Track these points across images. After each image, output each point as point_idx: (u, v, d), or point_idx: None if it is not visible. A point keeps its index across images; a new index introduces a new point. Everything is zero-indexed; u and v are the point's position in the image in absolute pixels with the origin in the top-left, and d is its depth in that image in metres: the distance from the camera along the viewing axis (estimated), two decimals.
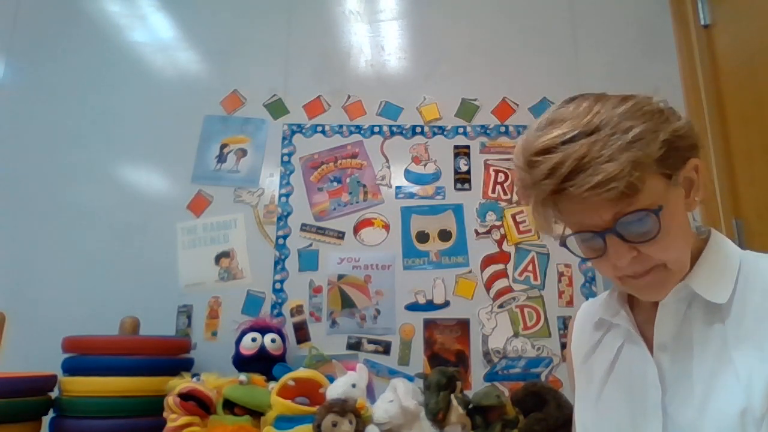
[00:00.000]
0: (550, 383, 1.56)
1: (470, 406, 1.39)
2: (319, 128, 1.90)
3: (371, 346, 1.70)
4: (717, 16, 1.80)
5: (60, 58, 1.94)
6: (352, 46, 1.98)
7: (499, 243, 1.78)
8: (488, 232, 1.79)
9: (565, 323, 1.70)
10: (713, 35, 1.81)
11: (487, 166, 1.85)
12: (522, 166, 0.61)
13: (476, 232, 1.79)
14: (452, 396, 1.39)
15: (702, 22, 1.83)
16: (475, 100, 1.91)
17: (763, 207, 1.56)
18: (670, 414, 0.61)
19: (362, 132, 1.89)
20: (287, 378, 1.35)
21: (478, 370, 1.68)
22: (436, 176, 1.84)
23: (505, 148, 1.86)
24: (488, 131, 1.88)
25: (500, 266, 1.76)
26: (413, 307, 1.73)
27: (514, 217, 1.80)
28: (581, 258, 0.65)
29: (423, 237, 1.79)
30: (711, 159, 1.72)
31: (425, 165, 1.86)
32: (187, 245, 1.79)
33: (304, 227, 1.80)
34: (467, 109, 1.90)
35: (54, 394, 1.42)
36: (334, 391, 1.34)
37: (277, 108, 1.91)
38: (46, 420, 1.40)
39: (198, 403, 1.31)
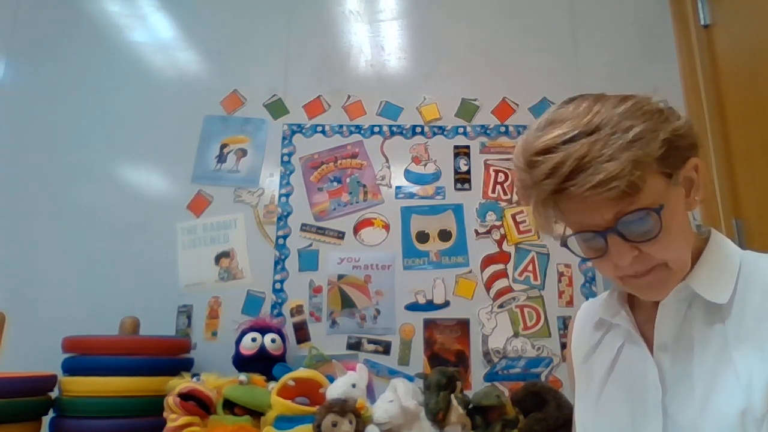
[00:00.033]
0: (550, 383, 1.56)
1: (470, 406, 1.39)
2: (319, 128, 1.90)
3: (371, 346, 1.70)
4: (717, 16, 1.80)
5: (60, 58, 1.94)
6: (352, 46, 1.98)
7: (499, 243, 1.78)
8: (488, 232, 1.79)
9: (565, 323, 1.70)
10: (713, 35, 1.81)
11: (487, 166, 1.85)
12: (522, 167, 0.61)
13: (476, 232, 1.79)
14: (452, 396, 1.39)
15: (702, 22, 1.83)
16: (475, 100, 1.91)
17: (763, 207, 1.56)
18: (671, 414, 0.61)
19: (362, 132, 1.89)
20: (287, 378, 1.35)
21: (478, 370, 1.68)
22: (436, 176, 1.84)
23: (505, 148, 1.86)
24: (488, 131, 1.88)
25: (500, 266, 1.76)
26: (413, 307, 1.73)
27: (514, 217, 1.80)
28: (582, 258, 0.65)
29: (423, 237, 1.79)
30: (711, 159, 1.72)
31: (425, 165, 1.86)
32: (187, 245, 1.79)
33: (304, 227, 1.80)
34: (467, 109, 1.90)
35: (54, 394, 1.42)
36: (334, 391, 1.34)
37: (277, 108, 1.91)
38: (46, 420, 1.40)
39: (198, 403, 1.31)
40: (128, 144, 1.87)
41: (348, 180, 1.85)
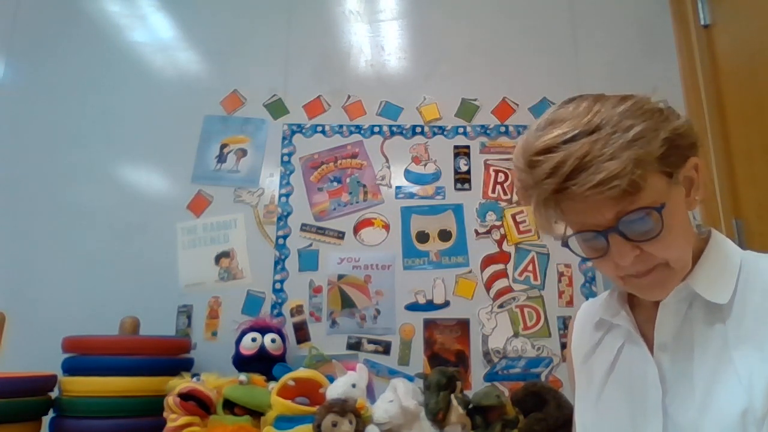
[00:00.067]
0: (550, 383, 1.56)
1: (470, 406, 1.39)
2: (319, 128, 1.90)
3: (371, 346, 1.70)
4: (717, 16, 1.80)
5: (60, 58, 1.94)
6: (352, 46, 1.98)
7: (499, 243, 1.78)
8: (488, 232, 1.79)
9: (565, 323, 1.70)
10: (713, 35, 1.81)
11: (487, 166, 1.85)
12: (522, 167, 0.60)
13: (476, 232, 1.79)
14: (452, 396, 1.39)
15: (702, 22, 1.83)
16: (475, 100, 1.91)
17: (763, 207, 1.56)
18: (671, 414, 0.61)
19: (362, 132, 1.89)
20: (287, 378, 1.35)
21: (478, 370, 1.68)
22: (436, 176, 1.84)
23: (505, 148, 1.86)
24: (488, 131, 1.88)
25: (500, 266, 1.76)
26: (413, 307, 1.73)
27: (514, 217, 1.80)
28: (583, 258, 0.65)
29: (423, 237, 1.79)
30: (711, 159, 1.72)
31: (425, 165, 1.86)
32: (187, 245, 1.79)
33: (304, 227, 1.80)
34: (467, 109, 1.90)
35: (54, 394, 1.42)
36: (334, 391, 1.34)
37: (277, 108, 1.91)
38: (46, 420, 1.40)
39: (198, 403, 1.31)
40: (128, 144, 1.87)
41: (348, 180, 1.85)
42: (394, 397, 1.36)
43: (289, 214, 1.82)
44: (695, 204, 0.64)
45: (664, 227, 0.57)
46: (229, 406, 1.35)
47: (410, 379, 1.57)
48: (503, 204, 1.81)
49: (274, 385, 1.37)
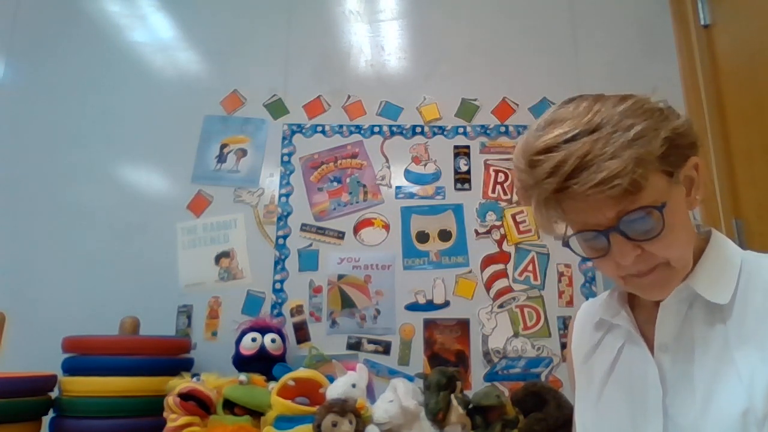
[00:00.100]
0: (550, 383, 1.56)
1: (470, 406, 1.39)
2: (319, 128, 1.90)
3: (371, 346, 1.70)
4: (717, 16, 1.80)
5: (60, 58, 1.94)
6: (352, 46, 1.98)
7: (499, 243, 1.78)
8: (488, 232, 1.79)
9: (565, 323, 1.70)
10: (713, 35, 1.81)
11: (487, 166, 1.85)
12: (523, 167, 0.60)
13: (476, 232, 1.79)
14: (452, 396, 1.39)
15: (702, 22, 1.83)
16: (475, 100, 1.91)
17: (763, 207, 1.56)
18: (671, 415, 0.61)
19: (362, 132, 1.89)
20: (287, 378, 1.35)
21: (478, 370, 1.67)
22: (436, 176, 1.84)
23: (505, 148, 1.86)
24: (488, 131, 1.88)
25: (500, 266, 1.76)
26: (413, 307, 1.73)
27: (514, 217, 1.80)
28: (583, 258, 0.65)
29: (423, 237, 1.79)
30: (711, 159, 1.72)
31: (425, 165, 1.86)
32: (187, 245, 1.79)
33: (304, 227, 1.80)
34: (467, 109, 1.90)
35: (54, 394, 1.42)
36: (334, 391, 1.34)
37: (277, 108, 1.91)
38: (46, 420, 1.40)
39: (198, 403, 1.31)
40: (128, 144, 1.87)
41: (348, 180, 1.85)
42: (394, 397, 1.36)
43: (289, 214, 1.82)
44: (696, 203, 0.64)
45: (665, 226, 0.57)
46: (229, 406, 1.35)
47: (410, 379, 1.57)
48: (503, 204, 1.81)
49: (274, 385, 1.37)
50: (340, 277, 1.75)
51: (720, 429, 0.56)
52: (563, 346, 1.68)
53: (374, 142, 1.88)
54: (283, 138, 1.89)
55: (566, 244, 0.64)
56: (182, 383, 1.32)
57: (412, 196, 1.83)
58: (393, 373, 1.65)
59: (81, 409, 1.36)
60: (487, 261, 1.76)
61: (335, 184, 1.84)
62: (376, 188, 1.84)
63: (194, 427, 1.30)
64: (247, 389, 1.38)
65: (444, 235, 1.79)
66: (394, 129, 1.89)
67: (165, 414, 1.31)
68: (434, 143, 1.87)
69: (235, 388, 1.37)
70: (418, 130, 1.89)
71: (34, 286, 1.73)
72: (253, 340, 1.54)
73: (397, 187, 1.84)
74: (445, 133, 1.88)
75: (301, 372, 1.38)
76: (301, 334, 1.71)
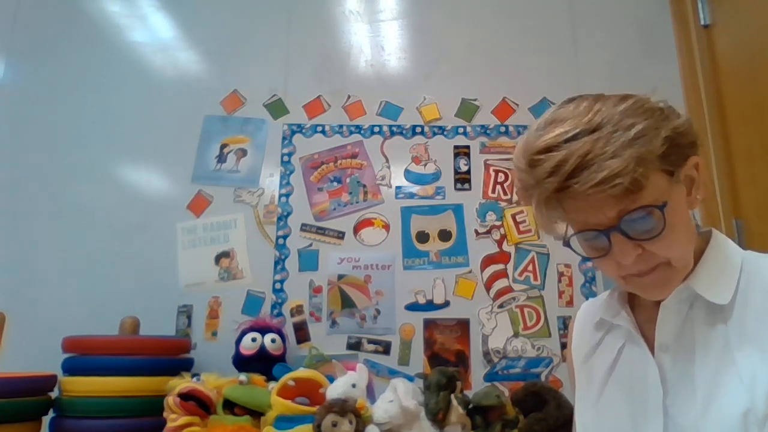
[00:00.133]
0: (550, 383, 1.56)
1: (470, 406, 1.39)
2: (319, 128, 1.90)
3: (371, 346, 1.70)
4: (717, 16, 1.80)
5: (60, 58, 1.94)
6: (352, 46, 1.98)
7: (499, 243, 1.78)
8: (488, 232, 1.79)
9: (565, 323, 1.70)
10: (713, 35, 1.81)
11: (487, 166, 1.85)
12: (523, 167, 0.60)
13: (476, 232, 1.79)
14: (452, 396, 1.39)
15: (702, 22, 1.83)
16: (475, 100, 1.91)
17: (763, 207, 1.56)
18: (672, 415, 0.61)
19: (362, 132, 1.89)
20: (287, 378, 1.35)
21: (478, 370, 1.67)
22: (436, 176, 1.84)
23: (505, 148, 1.86)
24: (488, 131, 1.88)
25: (500, 266, 1.76)
26: (413, 307, 1.73)
27: (514, 217, 1.80)
28: (584, 257, 0.65)
29: (423, 237, 1.79)
30: (711, 159, 1.72)
31: (425, 165, 1.86)
32: (187, 245, 1.79)
33: (304, 227, 1.80)
34: (467, 109, 1.90)
35: (54, 394, 1.42)
36: (334, 391, 1.34)
37: (277, 108, 1.91)
38: (46, 420, 1.40)
39: (198, 403, 1.31)
40: (128, 144, 1.87)
41: (348, 180, 1.85)
42: (394, 397, 1.36)
43: (289, 214, 1.82)
44: (696, 203, 0.64)
45: (666, 226, 0.57)
46: (229, 406, 1.35)
47: (410, 379, 1.57)
48: (503, 204, 1.81)
49: (274, 385, 1.37)
50: (340, 277, 1.75)
51: (721, 429, 0.56)
52: (563, 346, 1.68)
53: (374, 142, 1.88)
54: (283, 138, 1.89)
55: (567, 243, 0.64)
56: (182, 383, 1.32)
57: (412, 196, 1.83)
58: (393, 373, 1.65)
59: (81, 409, 1.36)
60: (487, 261, 1.76)
61: (335, 184, 1.84)
62: (376, 188, 1.84)
63: (194, 427, 1.30)
64: (247, 389, 1.38)
65: (444, 235, 1.79)
66: (394, 129, 1.89)
67: (165, 414, 1.31)
68: (434, 143, 1.87)
69: (235, 388, 1.37)
70: (418, 130, 1.89)
71: (34, 286, 1.73)
72: (253, 340, 1.54)
73: (397, 187, 1.84)
74: (445, 133, 1.88)
75: (301, 372, 1.38)
76: (301, 334, 1.71)
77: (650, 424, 0.62)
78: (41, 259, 1.76)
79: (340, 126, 1.89)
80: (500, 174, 1.84)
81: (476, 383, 1.65)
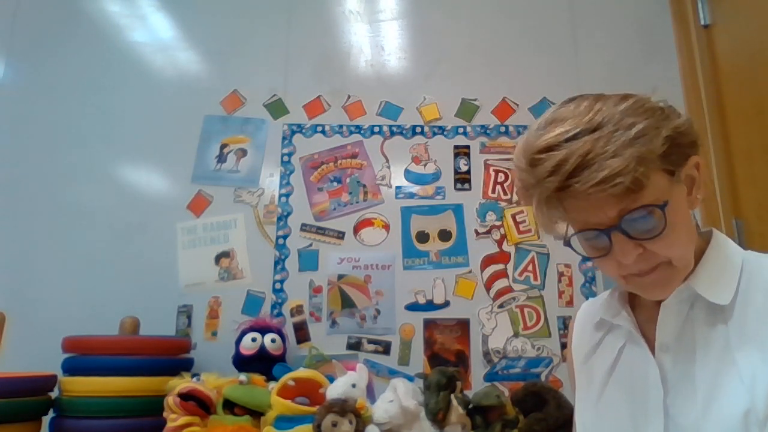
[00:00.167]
0: (550, 383, 1.56)
1: (470, 406, 1.39)
2: (319, 128, 1.90)
3: (371, 346, 1.70)
4: (717, 16, 1.80)
5: (60, 58, 1.94)
6: (352, 46, 1.98)
7: (499, 243, 1.78)
8: (488, 232, 1.79)
9: (565, 323, 1.70)
10: (713, 35, 1.81)
11: (487, 166, 1.85)
12: (524, 166, 0.60)
13: (476, 232, 1.79)
14: (452, 396, 1.39)
15: (702, 22, 1.83)
16: (475, 100, 1.91)
17: (763, 207, 1.56)
18: (672, 415, 0.61)
19: (362, 132, 1.89)
20: (287, 378, 1.35)
21: (478, 370, 1.67)
22: (436, 176, 1.84)
23: (505, 148, 1.86)
24: (488, 131, 1.88)
25: (500, 266, 1.76)
26: (413, 307, 1.73)
27: (514, 217, 1.80)
28: (585, 257, 0.65)
29: (423, 237, 1.79)
30: (711, 159, 1.72)
31: (425, 165, 1.86)
32: (187, 245, 1.79)
33: (304, 227, 1.80)
34: (467, 109, 1.90)
35: (54, 394, 1.42)
36: (334, 391, 1.34)
37: (277, 108, 1.91)
38: (46, 420, 1.40)
39: (198, 403, 1.31)
40: (128, 144, 1.87)
41: (348, 180, 1.85)
42: (394, 397, 1.36)
43: (289, 214, 1.82)
44: (697, 203, 0.63)
45: (667, 225, 0.57)
46: (229, 406, 1.35)
47: (410, 379, 1.57)
48: (503, 204, 1.81)
49: (274, 385, 1.37)
50: (340, 277, 1.75)
51: (721, 430, 0.56)
52: (563, 346, 1.68)
53: (374, 142, 1.88)
54: (283, 138, 1.89)
55: (567, 243, 0.64)
56: (182, 383, 1.32)
57: (412, 196, 1.83)
58: (393, 373, 1.65)
59: (81, 409, 1.36)
60: (487, 261, 1.76)
61: (335, 184, 1.84)
62: (376, 188, 1.84)
63: (194, 427, 1.30)
64: (247, 389, 1.38)
65: (444, 235, 1.79)
66: (394, 129, 1.89)
67: (165, 414, 1.31)
68: (434, 143, 1.87)
69: (235, 388, 1.36)
70: (418, 130, 1.89)
71: (34, 286, 1.73)
72: (253, 340, 1.54)
73: (397, 187, 1.84)
74: (445, 133, 1.88)
75: (301, 372, 1.38)
76: (301, 334, 1.71)
77: (651, 424, 0.62)
78: (41, 259, 1.76)
79: (340, 126, 1.89)
80: (500, 174, 1.84)
81: (476, 383, 1.65)
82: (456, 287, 1.74)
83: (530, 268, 1.75)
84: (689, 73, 1.85)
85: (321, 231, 1.80)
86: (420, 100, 1.91)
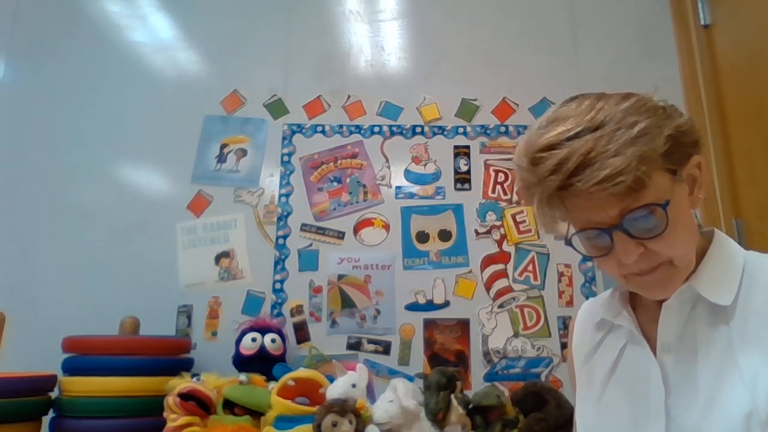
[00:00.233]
0: (550, 383, 1.56)
1: (470, 406, 1.39)
2: (319, 128, 1.90)
3: (371, 346, 1.70)
4: (717, 16, 1.80)
5: (60, 58, 1.94)
6: (352, 46, 1.98)
7: (499, 243, 1.78)
8: (488, 232, 1.79)
9: (565, 323, 1.70)
10: (713, 35, 1.81)
11: (487, 166, 1.85)
12: (525, 165, 0.60)
13: (476, 232, 1.79)
14: (452, 396, 1.39)
15: (702, 22, 1.83)
16: (475, 100, 1.91)
17: (763, 207, 1.56)
18: (674, 416, 0.61)
19: (362, 132, 1.89)
20: (287, 378, 1.35)
21: (478, 370, 1.67)
22: (436, 176, 1.84)
23: (505, 148, 1.86)
24: (488, 131, 1.88)
25: (500, 266, 1.76)
26: (413, 307, 1.73)
27: (514, 217, 1.80)
28: (585, 257, 0.65)
29: (423, 237, 1.79)
30: (711, 159, 1.72)
31: (425, 165, 1.86)
32: (187, 245, 1.79)
33: (304, 227, 1.80)
34: (467, 109, 1.90)
35: (54, 394, 1.42)
36: (334, 391, 1.34)
37: (277, 108, 1.91)
38: (46, 420, 1.40)
39: (198, 403, 1.31)
40: (128, 144, 1.87)
41: (348, 180, 1.85)
42: (394, 397, 1.36)
43: (289, 214, 1.82)
44: (698, 202, 0.63)
45: (668, 224, 0.57)
46: (229, 406, 1.35)
47: (410, 379, 1.57)
48: (503, 204, 1.81)
49: (274, 385, 1.37)
50: (340, 277, 1.75)
51: (723, 431, 0.56)
52: (563, 346, 1.68)
53: (374, 142, 1.88)
54: (283, 138, 1.89)
55: (568, 242, 0.64)
56: (182, 383, 1.32)
57: (412, 196, 1.83)
58: (393, 373, 1.65)
59: (81, 409, 1.36)
60: (487, 261, 1.76)
61: (335, 184, 1.84)
62: (376, 188, 1.84)
63: (194, 427, 1.30)
64: (247, 389, 1.37)
65: (444, 235, 1.79)
66: (394, 129, 1.89)
67: (165, 414, 1.31)
68: (434, 143, 1.87)
69: (235, 388, 1.36)
70: (418, 130, 1.89)
71: (34, 286, 1.73)
72: (253, 340, 1.54)
73: (397, 187, 1.84)
74: (445, 133, 1.88)
75: (301, 372, 1.38)
76: (301, 334, 1.71)
77: (652, 424, 0.62)
78: (41, 259, 1.76)
79: (340, 126, 1.89)
80: (500, 174, 1.84)
81: (476, 383, 1.65)
82: (456, 287, 1.74)
83: (530, 268, 1.75)
84: (689, 73, 1.85)
85: (321, 231, 1.80)
86: (420, 100, 1.91)
